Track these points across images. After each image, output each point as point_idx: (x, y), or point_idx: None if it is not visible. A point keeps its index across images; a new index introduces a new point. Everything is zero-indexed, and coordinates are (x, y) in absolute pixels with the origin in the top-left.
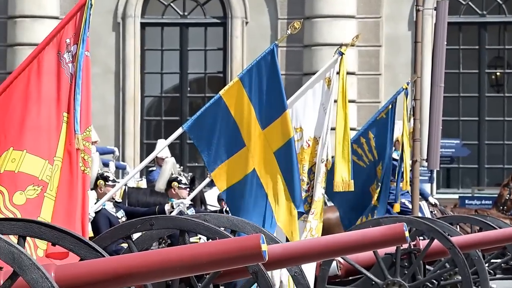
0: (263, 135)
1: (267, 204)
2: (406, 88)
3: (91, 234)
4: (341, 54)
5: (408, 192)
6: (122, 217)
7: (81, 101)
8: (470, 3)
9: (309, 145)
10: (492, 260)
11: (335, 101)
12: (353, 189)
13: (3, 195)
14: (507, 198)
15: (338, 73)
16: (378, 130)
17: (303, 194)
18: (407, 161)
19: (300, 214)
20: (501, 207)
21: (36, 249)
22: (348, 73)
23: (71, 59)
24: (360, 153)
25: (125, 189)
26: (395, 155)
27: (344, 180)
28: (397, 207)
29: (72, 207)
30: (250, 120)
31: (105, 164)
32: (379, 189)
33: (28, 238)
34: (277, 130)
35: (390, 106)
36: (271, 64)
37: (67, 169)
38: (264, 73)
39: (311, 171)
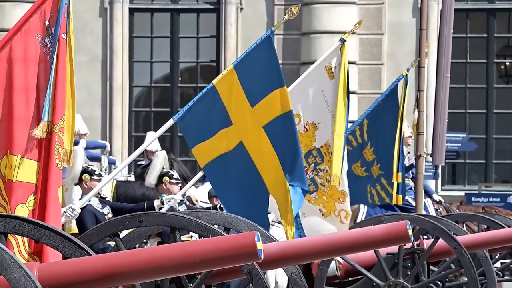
0: (253, 112)
1: (256, 176)
2: (406, 75)
3: (76, 231)
4: (343, 41)
5: (411, 188)
6: (108, 213)
7: (57, 88)
8: None
9: (306, 130)
10: (500, 261)
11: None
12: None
13: (5, 208)
14: None
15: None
16: (373, 116)
17: None
18: (396, 150)
19: (304, 191)
20: None
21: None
22: (348, 62)
23: (52, 44)
24: (350, 139)
25: (116, 184)
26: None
27: (335, 175)
28: (399, 199)
29: (47, 206)
30: (239, 99)
31: (97, 159)
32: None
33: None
34: (268, 105)
35: (389, 94)
36: (270, 50)
37: (44, 164)
38: (259, 60)
39: (311, 154)
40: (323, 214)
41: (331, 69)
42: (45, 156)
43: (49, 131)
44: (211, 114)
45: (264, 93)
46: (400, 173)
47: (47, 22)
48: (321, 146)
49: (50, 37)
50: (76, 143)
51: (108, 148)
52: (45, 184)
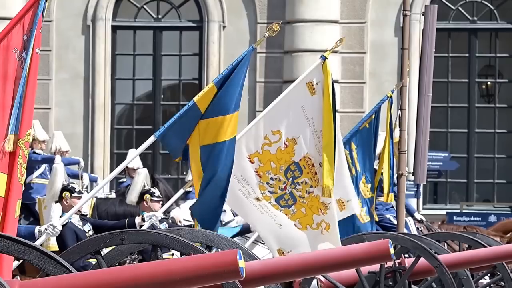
0: (199, 125)
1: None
2: (391, 97)
3: (55, 248)
4: (324, 58)
5: (393, 207)
6: (89, 230)
7: (25, 101)
8: (460, 8)
9: (286, 146)
10: (480, 281)
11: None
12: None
13: None
14: None
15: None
16: (361, 141)
17: (279, 192)
18: (386, 172)
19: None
20: None
21: None
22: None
23: (25, 58)
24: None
25: (95, 201)
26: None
27: (326, 187)
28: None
29: (6, 220)
30: None
31: (75, 176)
32: (365, 207)
33: None
34: (214, 126)
35: (374, 116)
36: (242, 65)
37: (8, 177)
38: (233, 77)
39: (289, 169)
40: (298, 229)
41: (313, 85)
42: (9, 169)
43: (15, 145)
44: (191, 128)
45: (219, 111)
46: (392, 194)
47: (25, 37)
48: (300, 160)
49: (26, 51)
50: (50, 159)
51: (82, 164)
52: (7, 197)
